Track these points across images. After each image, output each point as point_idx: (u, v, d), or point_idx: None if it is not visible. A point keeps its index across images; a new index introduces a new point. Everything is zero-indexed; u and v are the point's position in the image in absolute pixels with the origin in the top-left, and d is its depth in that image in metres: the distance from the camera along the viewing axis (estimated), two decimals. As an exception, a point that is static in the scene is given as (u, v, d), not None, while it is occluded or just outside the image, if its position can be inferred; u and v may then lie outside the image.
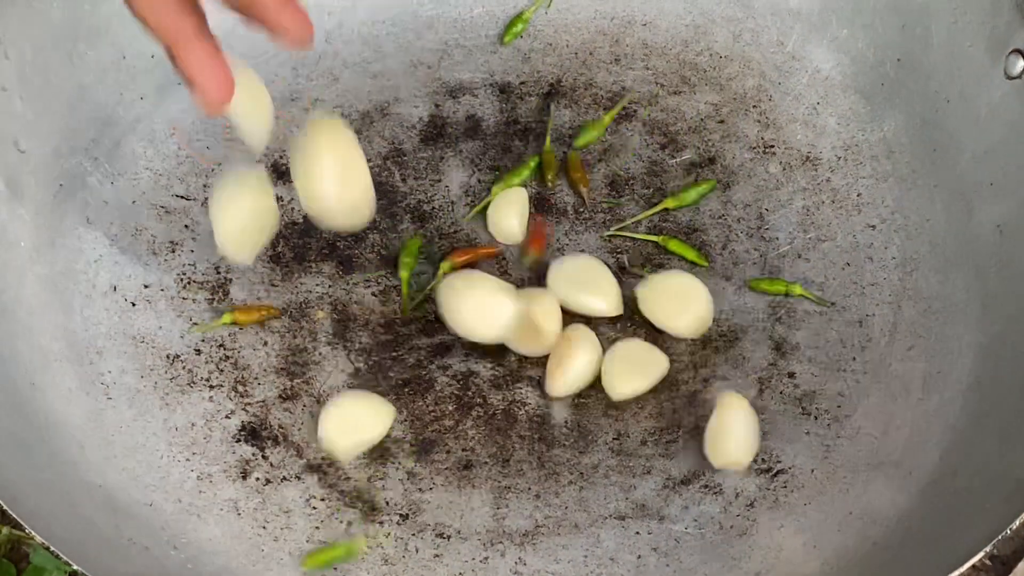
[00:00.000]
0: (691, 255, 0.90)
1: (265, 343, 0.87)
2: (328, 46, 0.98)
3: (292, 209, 0.92)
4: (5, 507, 0.71)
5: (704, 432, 0.83)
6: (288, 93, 0.96)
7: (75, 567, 0.70)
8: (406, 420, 0.85)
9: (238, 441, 0.84)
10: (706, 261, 0.90)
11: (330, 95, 0.96)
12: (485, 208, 0.92)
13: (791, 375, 0.87)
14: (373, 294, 0.89)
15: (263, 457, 0.84)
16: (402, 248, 0.89)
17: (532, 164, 0.93)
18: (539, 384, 0.86)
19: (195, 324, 0.87)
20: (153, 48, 0.93)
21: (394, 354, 0.87)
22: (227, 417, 0.85)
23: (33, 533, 0.70)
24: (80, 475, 0.80)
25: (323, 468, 0.83)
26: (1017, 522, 0.72)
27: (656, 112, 0.96)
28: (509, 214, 0.91)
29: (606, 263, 0.90)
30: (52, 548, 0.70)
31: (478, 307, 0.83)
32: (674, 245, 0.91)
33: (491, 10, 1.00)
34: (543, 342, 0.86)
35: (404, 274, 0.88)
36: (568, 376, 0.85)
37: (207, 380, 0.86)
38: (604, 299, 0.88)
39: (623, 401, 0.86)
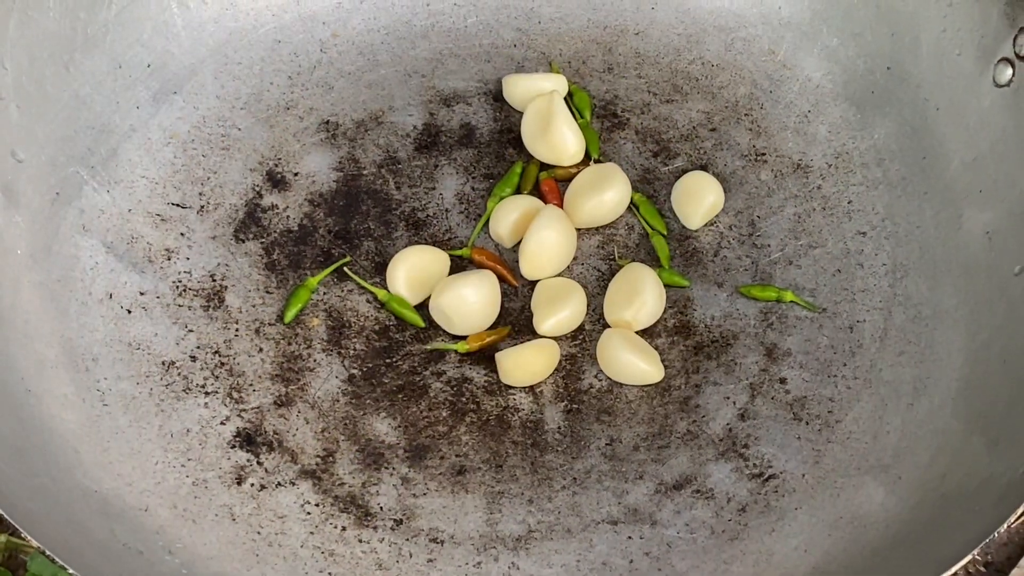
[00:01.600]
0: (674, 280, 0.91)
1: (260, 350, 0.88)
2: (323, 55, 0.98)
3: (287, 217, 0.93)
4: (1, 512, 0.72)
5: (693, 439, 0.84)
6: (283, 102, 0.97)
7: (71, 571, 0.71)
8: (400, 426, 0.86)
9: (233, 447, 0.84)
10: (687, 281, 0.91)
11: (325, 104, 0.97)
12: (486, 223, 0.92)
13: (782, 381, 0.88)
14: (368, 301, 0.90)
15: (258, 463, 0.84)
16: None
17: (518, 170, 0.94)
18: (532, 390, 0.87)
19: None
20: (149, 57, 0.95)
21: (388, 360, 0.88)
22: (222, 423, 0.85)
23: (28, 537, 0.71)
24: (76, 480, 0.80)
25: (317, 474, 0.84)
26: (1005, 526, 0.72)
27: (648, 120, 0.97)
28: (509, 219, 0.92)
29: (597, 268, 0.92)
30: (47, 552, 0.70)
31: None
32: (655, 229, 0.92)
33: (485, 20, 1.00)
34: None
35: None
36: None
37: (202, 387, 0.86)
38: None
39: (614, 405, 0.86)
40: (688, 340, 0.89)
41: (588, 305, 0.90)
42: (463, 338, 0.88)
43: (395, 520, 0.83)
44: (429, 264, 0.89)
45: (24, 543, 0.87)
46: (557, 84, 0.96)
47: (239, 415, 0.85)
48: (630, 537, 0.82)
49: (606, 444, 0.85)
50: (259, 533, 0.81)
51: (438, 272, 0.89)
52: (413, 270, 0.89)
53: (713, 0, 1.00)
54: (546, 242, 0.89)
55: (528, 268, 0.90)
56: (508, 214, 0.91)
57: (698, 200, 0.93)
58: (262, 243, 0.91)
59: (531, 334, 0.89)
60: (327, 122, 0.96)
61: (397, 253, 0.90)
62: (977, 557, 0.89)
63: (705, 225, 0.93)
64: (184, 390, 0.86)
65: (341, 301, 0.90)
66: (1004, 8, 0.88)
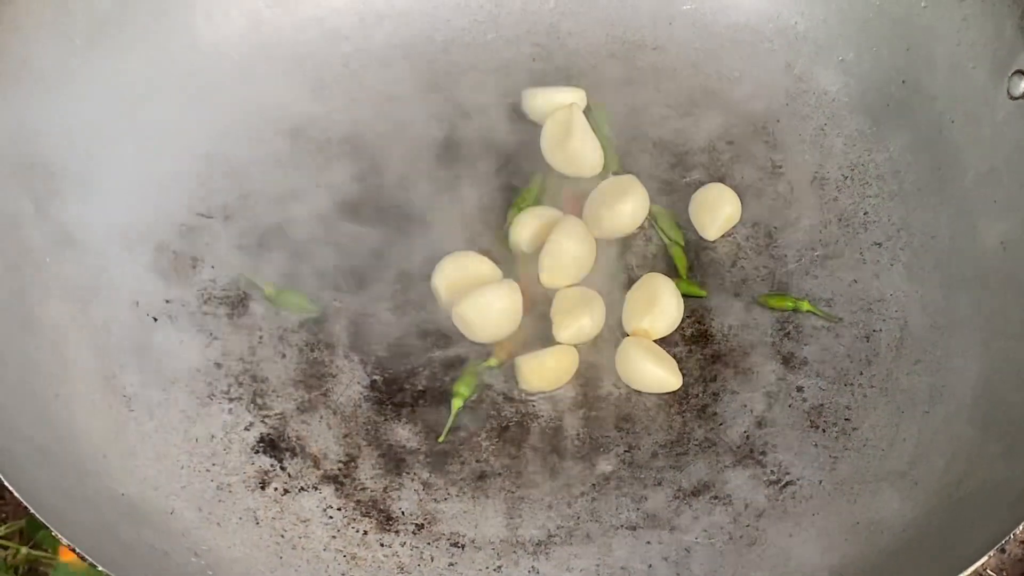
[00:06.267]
0: (692, 289, 0.92)
1: (283, 356, 0.89)
2: (345, 69, 1.00)
3: (311, 227, 0.93)
4: (33, 511, 0.73)
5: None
6: (306, 115, 0.98)
7: (99, 567, 0.72)
8: (421, 432, 0.87)
9: (257, 452, 0.86)
10: (704, 292, 0.92)
11: (347, 117, 0.98)
12: (506, 233, 0.94)
13: (799, 389, 0.88)
14: (387, 308, 0.91)
15: (281, 468, 0.85)
16: (460, 378, 0.88)
17: (538, 181, 0.95)
18: (551, 397, 0.88)
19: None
20: (175, 70, 0.96)
21: (409, 367, 0.89)
22: (246, 429, 0.86)
23: (59, 535, 0.72)
24: (103, 483, 0.81)
25: (339, 479, 0.85)
26: (1020, 528, 0.73)
27: (666, 133, 0.98)
28: (529, 229, 0.93)
29: (615, 278, 0.93)
30: (77, 550, 0.72)
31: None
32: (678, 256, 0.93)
33: (504, 35, 1.02)
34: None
35: (457, 403, 0.87)
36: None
37: (227, 393, 0.87)
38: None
39: (632, 412, 0.87)
40: (706, 349, 0.90)
41: (606, 314, 0.91)
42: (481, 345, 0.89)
43: (416, 524, 0.83)
44: (480, 274, 0.90)
45: (45, 555, 0.89)
46: (576, 97, 0.97)
47: (263, 421, 0.87)
48: (649, 542, 0.83)
49: (624, 451, 0.86)
50: (283, 536, 0.83)
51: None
52: (460, 274, 0.90)
53: (730, 15, 1.01)
54: (565, 251, 0.90)
55: (548, 277, 0.91)
56: (528, 224, 0.92)
57: (715, 212, 0.94)
58: (286, 252, 0.93)
59: (550, 342, 0.90)
60: (349, 134, 0.97)
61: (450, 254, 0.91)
62: (991, 573, 0.90)
63: (722, 236, 0.94)
64: (209, 396, 0.87)
65: (362, 308, 0.91)
66: (1018, 22, 0.89)
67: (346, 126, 0.98)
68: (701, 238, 0.94)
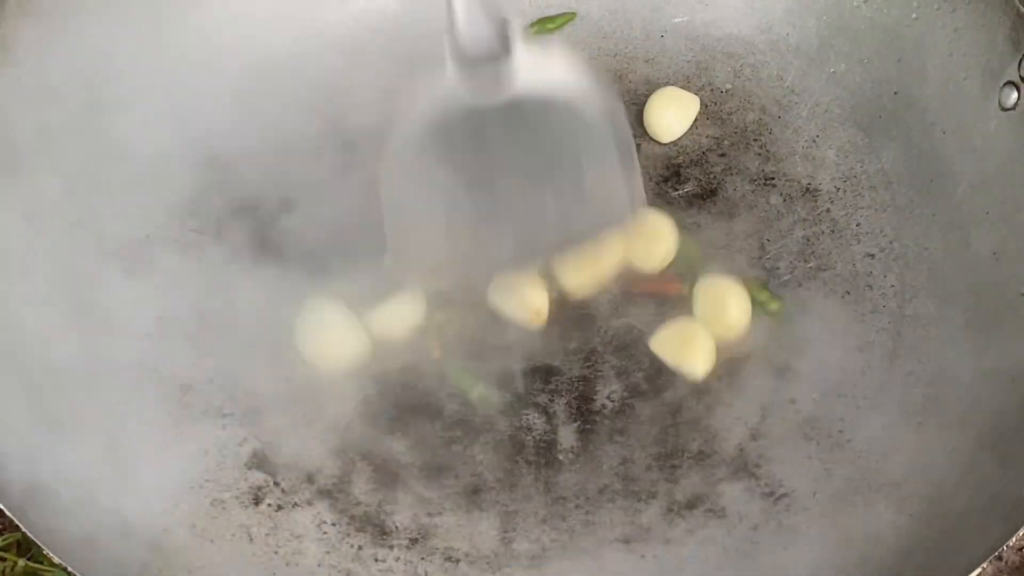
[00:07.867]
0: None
1: (276, 371, 0.89)
2: (340, 83, 0.99)
3: (304, 241, 0.93)
4: (25, 531, 0.73)
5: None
6: (300, 129, 0.97)
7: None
8: (415, 445, 0.87)
9: (250, 468, 0.86)
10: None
11: (342, 130, 0.97)
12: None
13: (792, 401, 0.88)
14: (383, 322, 0.91)
15: (275, 483, 0.85)
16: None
17: None
18: (545, 410, 0.88)
19: None
20: (168, 86, 0.96)
21: (403, 381, 0.89)
22: (239, 445, 0.86)
23: (52, 555, 0.72)
24: (96, 501, 0.81)
25: (333, 494, 0.85)
26: (1013, 540, 0.73)
27: (658, 146, 0.98)
28: None
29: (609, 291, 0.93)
30: (70, 568, 0.72)
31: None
32: None
33: (498, 47, 1.02)
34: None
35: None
36: None
37: (220, 408, 0.87)
38: None
39: (627, 426, 0.87)
40: (699, 361, 0.90)
41: (599, 329, 0.91)
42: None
43: (411, 539, 0.83)
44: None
45: (42, 568, 0.88)
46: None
47: (256, 436, 0.87)
48: (643, 556, 0.83)
49: (619, 464, 0.86)
50: (276, 553, 0.82)
51: None
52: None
53: (722, 28, 1.02)
54: None
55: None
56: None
57: (674, 111, 0.97)
58: (279, 267, 0.93)
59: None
60: (344, 147, 0.97)
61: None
62: (991, 586, 0.90)
63: (715, 248, 0.94)
64: (202, 412, 0.87)
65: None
66: (1009, 33, 0.90)
67: (340, 139, 0.98)
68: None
